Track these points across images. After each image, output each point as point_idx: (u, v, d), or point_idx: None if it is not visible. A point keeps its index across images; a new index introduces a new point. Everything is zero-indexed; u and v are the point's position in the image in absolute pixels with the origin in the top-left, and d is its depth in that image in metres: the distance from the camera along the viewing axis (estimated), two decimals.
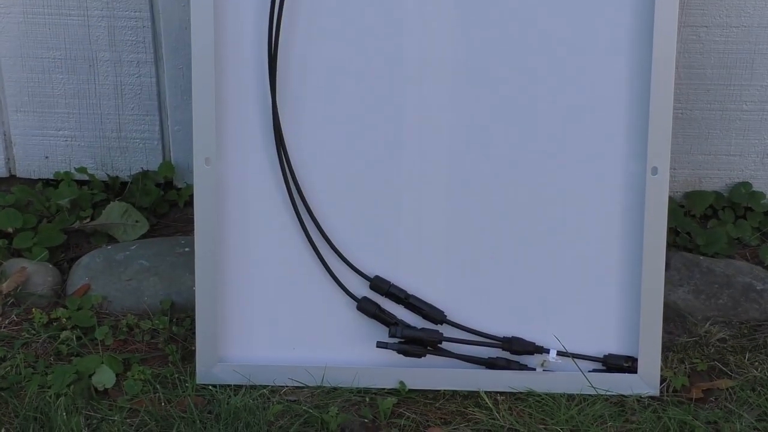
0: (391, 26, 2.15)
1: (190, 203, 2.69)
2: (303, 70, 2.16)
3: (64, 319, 2.40)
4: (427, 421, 2.15)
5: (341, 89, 2.18)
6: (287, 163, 2.18)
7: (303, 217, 2.20)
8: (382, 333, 2.22)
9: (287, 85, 2.17)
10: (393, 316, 2.22)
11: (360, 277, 2.22)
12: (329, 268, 2.22)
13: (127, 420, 2.15)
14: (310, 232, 2.21)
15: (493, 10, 2.14)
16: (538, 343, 2.21)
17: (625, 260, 2.20)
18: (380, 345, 2.19)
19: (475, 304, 2.23)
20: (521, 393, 2.20)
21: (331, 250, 2.22)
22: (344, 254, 2.22)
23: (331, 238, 2.21)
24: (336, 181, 2.21)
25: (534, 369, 2.21)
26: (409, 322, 2.22)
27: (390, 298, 2.22)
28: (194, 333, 2.24)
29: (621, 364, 2.20)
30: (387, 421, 2.15)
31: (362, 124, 2.19)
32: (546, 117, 2.17)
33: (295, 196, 2.19)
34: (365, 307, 2.21)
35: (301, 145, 2.19)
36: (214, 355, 2.23)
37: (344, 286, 2.22)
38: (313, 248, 2.21)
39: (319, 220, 2.21)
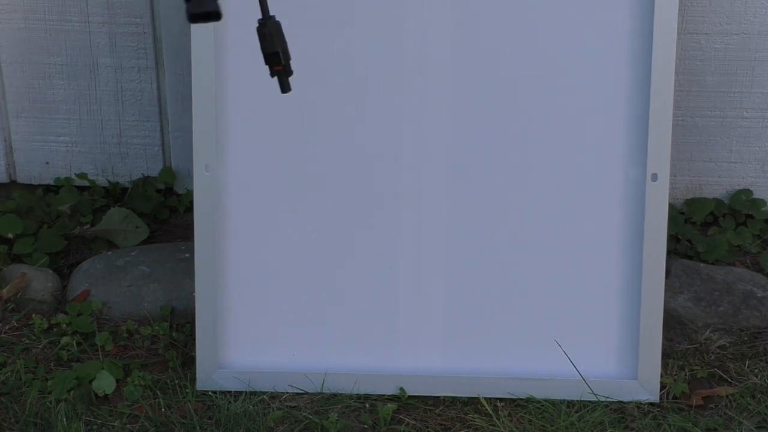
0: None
1: (190, 209, 2.69)
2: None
3: (64, 325, 2.40)
4: (427, 427, 2.15)
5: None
6: None
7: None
8: (382, 339, 2.22)
9: None
10: None
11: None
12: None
13: (127, 426, 2.15)
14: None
15: (491, 23, 2.14)
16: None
17: (626, 267, 2.20)
18: None
19: (474, 298, 2.23)
20: (521, 399, 2.20)
21: None
22: None
23: None
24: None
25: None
26: None
27: None
28: (194, 339, 2.24)
29: None
30: (387, 427, 2.15)
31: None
32: (545, 124, 2.17)
33: None
34: None
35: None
36: (214, 361, 2.23)
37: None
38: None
39: None
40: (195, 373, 2.23)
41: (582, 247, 2.20)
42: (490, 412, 2.17)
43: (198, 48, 2.12)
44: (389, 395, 2.22)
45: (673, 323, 2.40)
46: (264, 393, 2.22)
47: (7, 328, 2.42)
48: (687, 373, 2.29)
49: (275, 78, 1.66)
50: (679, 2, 2.10)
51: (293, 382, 2.23)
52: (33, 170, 2.78)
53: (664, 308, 2.20)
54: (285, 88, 1.67)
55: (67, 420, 2.14)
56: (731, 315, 2.42)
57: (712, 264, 2.56)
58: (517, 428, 2.14)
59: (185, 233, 2.68)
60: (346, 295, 2.23)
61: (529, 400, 2.20)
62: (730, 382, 2.27)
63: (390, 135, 2.19)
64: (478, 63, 2.16)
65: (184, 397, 2.21)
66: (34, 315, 2.43)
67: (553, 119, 2.17)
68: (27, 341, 2.38)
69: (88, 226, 2.68)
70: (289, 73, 1.66)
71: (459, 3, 2.14)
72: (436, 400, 2.22)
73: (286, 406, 2.20)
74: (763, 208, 2.68)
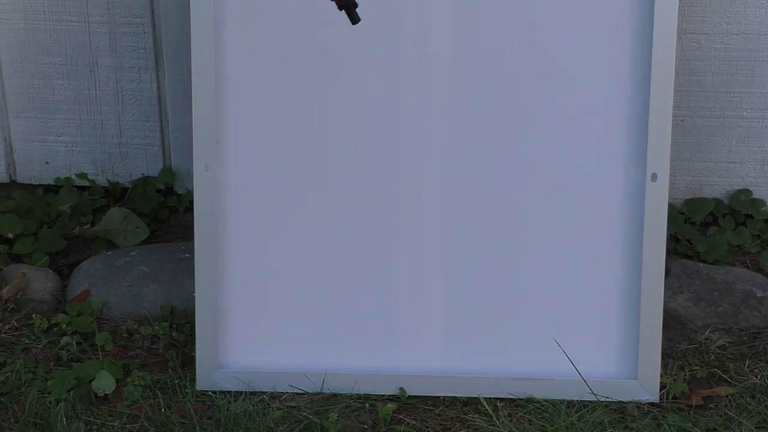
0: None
1: (190, 209, 2.69)
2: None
3: (64, 325, 2.40)
4: (427, 427, 2.15)
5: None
6: None
7: None
8: (382, 339, 2.22)
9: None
10: None
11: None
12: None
13: (127, 426, 2.15)
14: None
15: (491, 23, 2.14)
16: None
17: (625, 267, 2.20)
18: None
19: (474, 298, 2.23)
20: (521, 399, 2.20)
21: None
22: None
23: None
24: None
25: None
26: None
27: None
28: (194, 339, 2.24)
29: None
30: (387, 427, 2.15)
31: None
32: (545, 124, 2.17)
33: None
34: None
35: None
36: (214, 361, 2.23)
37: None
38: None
39: None
40: (195, 373, 2.23)
41: (582, 246, 2.20)
42: (490, 412, 2.17)
43: (198, 48, 2.12)
44: (389, 395, 2.22)
45: (673, 323, 2.40)
46: (264, 393, 2.22)
47: (7, 328, 2.42)
48: (687, 373, 2.29)
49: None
50: (679, 2, 2.10)
51: (293, 382, 2.23)
52: (33, 170, 2.78)
53: (664, 308, 2.20)
54: (354, 19, 1.65)
55: (66, 420, 2.14)
56: (731, 315, 2.42)
57: (712, 264, 2.56)
58: (517, 428, 2.14)
59: (185, 233, 2.68)
60: (346, 295, 2.23)
61: (529, 400, 2.20)
62: (730, 382, 2.27)
63: (390, 135, 2.19)
64: (478, 63, 2.16)
65: (183, 397, 2.21)
66: (34, 315, 2.43)
67: (553, 119, 2.17)
68: (27, 341, 2.38)
69: (88, 226, 2.68)
70: (355, 4, 1.65)
71: (459, 3, 2.14)
72: (436, 400, 2.22)
73: (286, 406, 2.20)
74: (762, 208, 2.69)
